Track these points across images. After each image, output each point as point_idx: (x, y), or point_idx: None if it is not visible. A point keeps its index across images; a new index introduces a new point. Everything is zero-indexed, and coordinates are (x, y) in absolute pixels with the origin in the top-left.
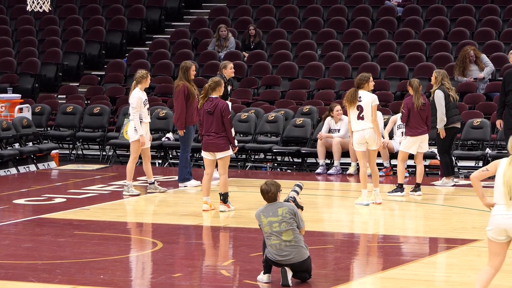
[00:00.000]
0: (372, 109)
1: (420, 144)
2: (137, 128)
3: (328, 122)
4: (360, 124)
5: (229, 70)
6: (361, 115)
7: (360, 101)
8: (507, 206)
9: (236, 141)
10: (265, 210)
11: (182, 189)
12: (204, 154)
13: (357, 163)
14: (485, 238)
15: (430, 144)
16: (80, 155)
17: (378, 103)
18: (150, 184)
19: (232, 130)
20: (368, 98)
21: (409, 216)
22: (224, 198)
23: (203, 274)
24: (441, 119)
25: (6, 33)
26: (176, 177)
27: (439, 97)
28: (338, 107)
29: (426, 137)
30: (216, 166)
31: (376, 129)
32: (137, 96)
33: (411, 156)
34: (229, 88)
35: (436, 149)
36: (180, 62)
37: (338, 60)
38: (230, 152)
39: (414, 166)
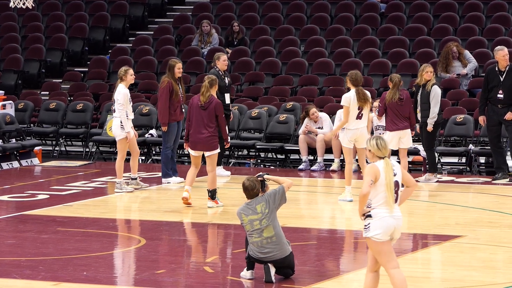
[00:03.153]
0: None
1: (401, 139)
2: (124, 124)
3: (306, 123)
4: (357, 123)
5: (221, 62)
6: (360, 114)
7: None
8: (390, 209)
9: (229, 138)
10: (245, 209)
11: (165, 186)
12: (190, 151)
13: (341, 160)
14: (468, 234)
15: (414, 141)
16: (63, 152)
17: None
18: (132, 179)
19: (226, 128)
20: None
21: None
22: (212, 194)
23: (187, 271)
24: (434, 116)
25: None
26: (160, 173)
27: (438, 93)
28: (313, 110)
29: (406, 132)
30: (205, 162)
31: (368, 127)
32: (123, 92)
33: (394, 153)
34: (226, 80)
35: (421, 145)
36: (164, 59)
37: (321, 57)
38: (218, 150)
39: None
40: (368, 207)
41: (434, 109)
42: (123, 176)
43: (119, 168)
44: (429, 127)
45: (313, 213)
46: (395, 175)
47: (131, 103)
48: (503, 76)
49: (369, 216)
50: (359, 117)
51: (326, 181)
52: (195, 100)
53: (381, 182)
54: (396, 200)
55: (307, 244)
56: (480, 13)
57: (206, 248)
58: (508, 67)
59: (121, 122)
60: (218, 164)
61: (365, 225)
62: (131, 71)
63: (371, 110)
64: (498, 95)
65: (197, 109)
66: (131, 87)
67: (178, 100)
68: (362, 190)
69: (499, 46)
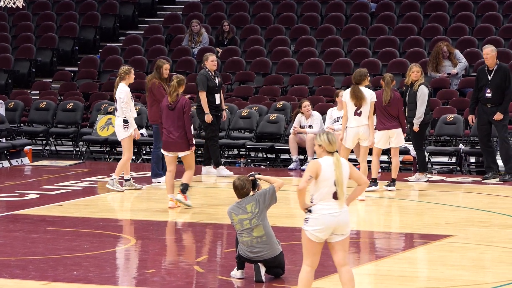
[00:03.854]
0: (370, 106)
1: (390, 139)
2: (129, 122)
3: (299, 119)
4: (356, 120)
5: (210, 62)
6: (358, 111)
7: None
8: (339, 204)
9: (194, 140)
10: (235, 208)
11: (155, 185)
12: (164, 152)
13: None
14: (458, 234)
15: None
16: (54, 151)
17: (375, 99)
18: (125, 181)
19: (192, 127)
20: (368, 94)
21: (382, 211)
22: (184, 188)
23: (177, 270)
24: (420, 116)
25: None
26: (150, 173)
27: (424, 93)
28: (306, 103)
29: (395, 131)
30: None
31: (371, 125)
32: (126, 90)
33: (385, 152)
34: (216, 80)
35: (411, 145)
36: (154, 58)
37: (311, 56)
38: (191, 151)
39: (387, 162)
40: (311, 202)
41: (420, 109)
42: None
43: (121, 166)
44: (415, 127)
45: (303, 213)
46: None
47: (133, 101)
48: (491, 75)
49: (310, 211)
50: (357, 113)
51: None
52: (165, 101)
53: (322, 178)
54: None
55: (297, 244)
56: (471, 13)
57: (196, 248)
58: (496, 66)
59: (123, 122)
60: (218, 164)
61: (305, 219)
62: (133, 71)
63: (359, 106)
64: (486, 94)
65: (167, 110)
66: None
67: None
68: (298, 185)
69: (484, 46)
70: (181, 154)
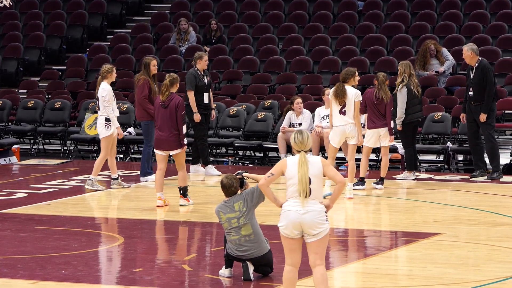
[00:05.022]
0: (355, 105)
1: (380, 137)
2: (111, 120)
3: (289, 116)
4: (342, 119)
5: (203, 62)
6: (343, 110)
7: None
8: (302, 203)
9: (186, 140)
10: (223, 207)
11: (143, 184)
12: (156, 150)
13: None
14: (447, 232)
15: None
16: (41, 150)
17: (361, 99)
18: (113, 179)
19: (184, 127)
20: (352, 93)
21: (370, 210)
22: (184, 192)
23: (165, 269)
24: (399, 117)
25: None
26: (138, 172)
27: (402, 94)
28: (298, 100)
29: (385, 130)
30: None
31: (357, 125)
32: (108, 89)
33: (376, 150)
34: (205, 80)
35: (399, 143)
36: (142, 57)
37: (299, 54)
38: (182, 149)
39: (375, 160)
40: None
41: (398, 110)
42: (102, 175)
43: (98, 166)
44: (398, 127)
45: None
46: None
47: (115, 100)
48: (473, 73)
49: (282, 207)
50: (342, 112)
51: None
52: (157, 99)
53: (288, 176)
54: (308, 195)
55: None
56: (458, 11)
57: (184, 246)
58: (477, 64)
59: (105, 120)
60: (207, 163)
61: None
62: (115, 70)
63: (343, 105)
64: (469, 93)
65: (160, 108)
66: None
67: (156, 98)
68: (259, 181)
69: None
70: (172, 153)
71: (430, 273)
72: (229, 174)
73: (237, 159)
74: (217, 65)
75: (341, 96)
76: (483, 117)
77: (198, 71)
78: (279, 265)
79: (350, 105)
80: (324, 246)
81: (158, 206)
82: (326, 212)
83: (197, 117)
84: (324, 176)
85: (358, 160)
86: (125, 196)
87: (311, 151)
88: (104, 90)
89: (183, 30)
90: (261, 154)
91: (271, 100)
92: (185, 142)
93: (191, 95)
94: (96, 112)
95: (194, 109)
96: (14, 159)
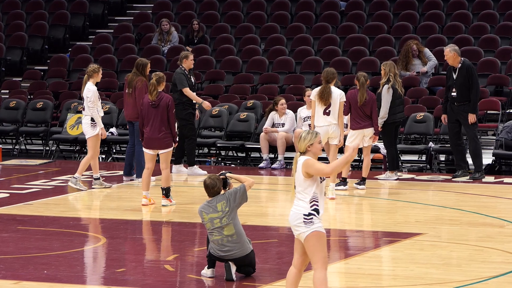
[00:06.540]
0: (339, 106)
1: (364, 138)
2: (96, 121)
3: (272, 116)
4: (325, 119)
5: (189, 61)
6: (327, 111)
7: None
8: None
9: (177, 137)
10: (206, 207)
11: (126, 184)
12: (145, 149)
13: None
14: (429, 232)
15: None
16: (23, 150)
17: (345, 99)
18: (95, 179)
19: (176, 125)
20: (337, 94)
21: (353, 210)
22: (166, 192)
23: (147, 269)
24: (382, 117)
25: None
26: (120, 172)
27: (389, 94)
28: (282, 101)
29: (369, 131)
30: (158, 160)
31: (340, 125)
32: (93, 90)
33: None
34: (193, 79)
35: (381, 143)
36: (124, 57)
37: (281, 55)
38: (172, 148)
39: (357, 160)
40: None
41: (382, 110)
42: (85, 175)
43: (84, 165)
44: (379, 127)
45: (274, 211)
46: None
47: (100, 100)
48: (456, 74)
49: None
50: (326, 113)
51: (287, 179)
52: (146, 99)
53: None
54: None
55: (268, 242)
56: (440, 11)
57: (167, 247)
58: (460, 64)
59: (91, 120)
60: (193, 163)
61: None
62: (101, 70)
63: (328, 105)
64: (452, 93)
65: (149, 108)
66: None
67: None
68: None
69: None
70: (161, 151)
71: (413, 273)
72: (212, 174)
73: (220, 159)
74: (200, 65)
75: (326, 98)
76: (472, 118)
77: (185, 71)
78: (261, 265)
79: (335, 106)
80: (310, 251)
81: (143, 205)
82: (308, 217)
83: (206, 104)
84: (311, 176)
85: (357, 161)
86: (107, 196)
87: (305, 152)
88: (90, 90)
89: (165, 30)
90: (244, 155)
91: (253, 101)
92: (177, 140)
93: (187, 92)
94: (79, 112)
95: (199, 99)
96: None
